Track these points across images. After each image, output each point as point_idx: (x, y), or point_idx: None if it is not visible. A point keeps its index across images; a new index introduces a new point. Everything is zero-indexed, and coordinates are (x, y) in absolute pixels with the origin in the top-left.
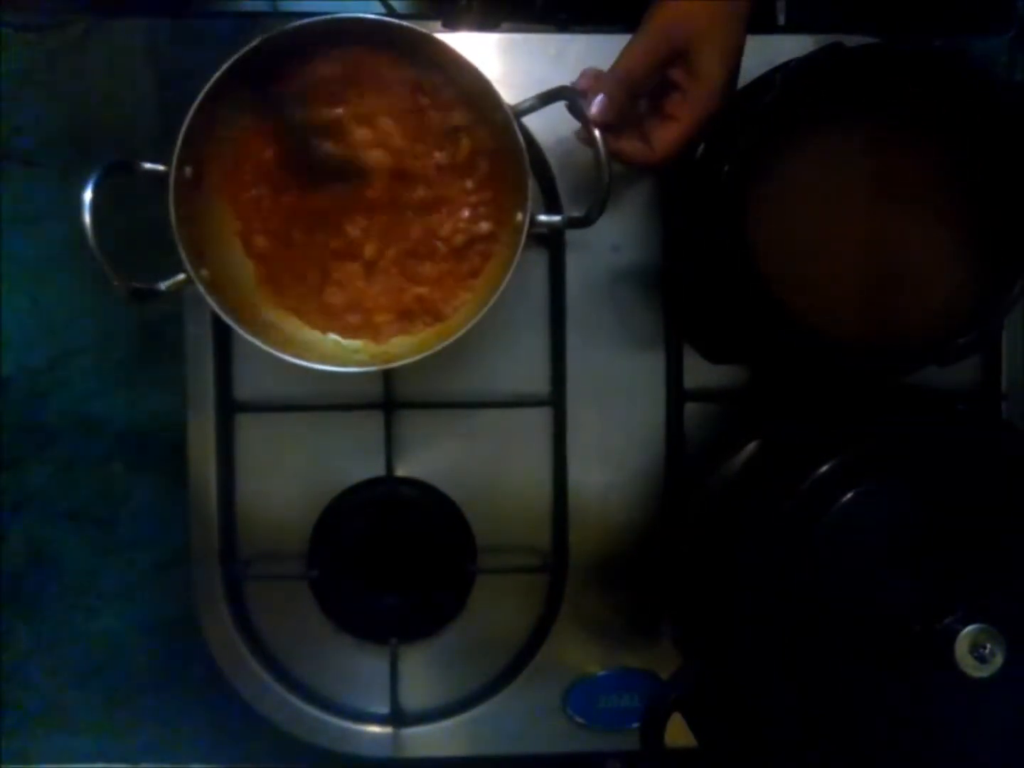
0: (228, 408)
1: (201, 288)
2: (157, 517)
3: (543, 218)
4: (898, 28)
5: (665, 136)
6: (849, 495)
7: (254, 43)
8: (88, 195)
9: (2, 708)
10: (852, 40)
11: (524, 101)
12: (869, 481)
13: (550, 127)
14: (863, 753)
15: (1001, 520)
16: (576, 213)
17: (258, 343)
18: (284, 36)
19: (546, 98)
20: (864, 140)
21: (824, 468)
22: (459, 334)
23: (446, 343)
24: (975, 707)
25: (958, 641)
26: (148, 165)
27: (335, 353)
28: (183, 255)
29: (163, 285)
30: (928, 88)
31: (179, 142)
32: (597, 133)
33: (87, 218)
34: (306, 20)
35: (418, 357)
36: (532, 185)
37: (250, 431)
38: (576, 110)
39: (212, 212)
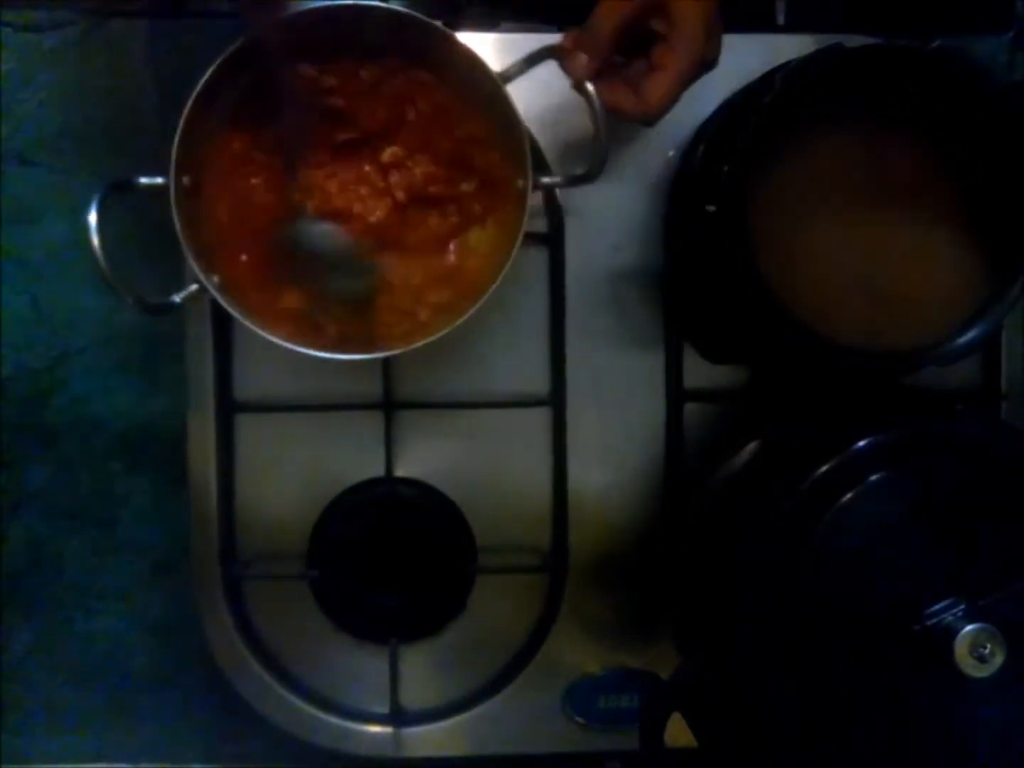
0: (228, 408)
1: (216, 295)
2: (157, 517)
3: (546, 179)
4: (898, 28)
5: (653, 86)
6: (849, 495)
7: (238, 43)
8: (93, 218)
9: (2, 708)
10: (852, 40)
11: (511, 66)
12: (869, 481)
13: (532, 98)
14: (863, 753)
15: (1001, 520)
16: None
17: (277, 340)
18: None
19: (531, 60)
20: (864, 140)
21: (824, 468)
22: (471, 311)
23: (463, 319)
24: (975, 707)
25: (958, 641)
26: (146, 180)
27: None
28: (194, 265)
29: (177, 297)
30: (928, 88)
31: (174, 152)
32: (590, 86)
33: (95, 240)
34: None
35: (422, 342)
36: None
37: (250, 431)
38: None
39: (215, 216)
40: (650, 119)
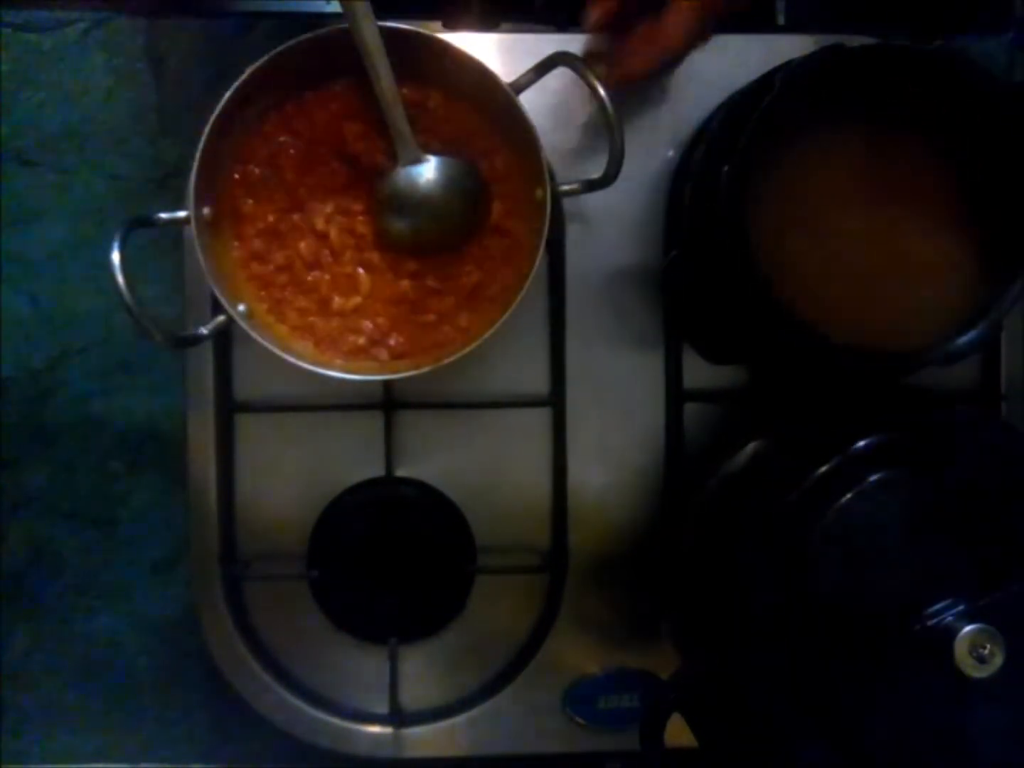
0: (228, 408)
1: (244, 325)
2: (157, 517)
3: (564, 187)
4: (898, 28)
5: (674, 16)
6: (849, 495)
7: (244, 76)
8: (116, 256)
9: (2, 708)
10: (852, 40)
11: (522, 75)
12: (869, 481)
13: (539, 107)
14: (862, 753)
15: (1000, 520)
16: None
17: (307, 366)
18: (269, 64)
19: (543, 68)
20: (864, 140)
21: (824, 468)
22: (496, 326)
23: (488, 333)
24: (975, 707)
25: (958, 641)
26: (166, 215)
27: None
28: (221, 297)
29: (204, 329)
30: (928, 88)
31: (192, 186)
32: (603, 92)
33: (120, 278)
34: (282, 46)
35: (456, 357)
36: (546, 158)
37: (250, 431)
38: (577, 71)
39: (236, 245)
40: (674, 54)
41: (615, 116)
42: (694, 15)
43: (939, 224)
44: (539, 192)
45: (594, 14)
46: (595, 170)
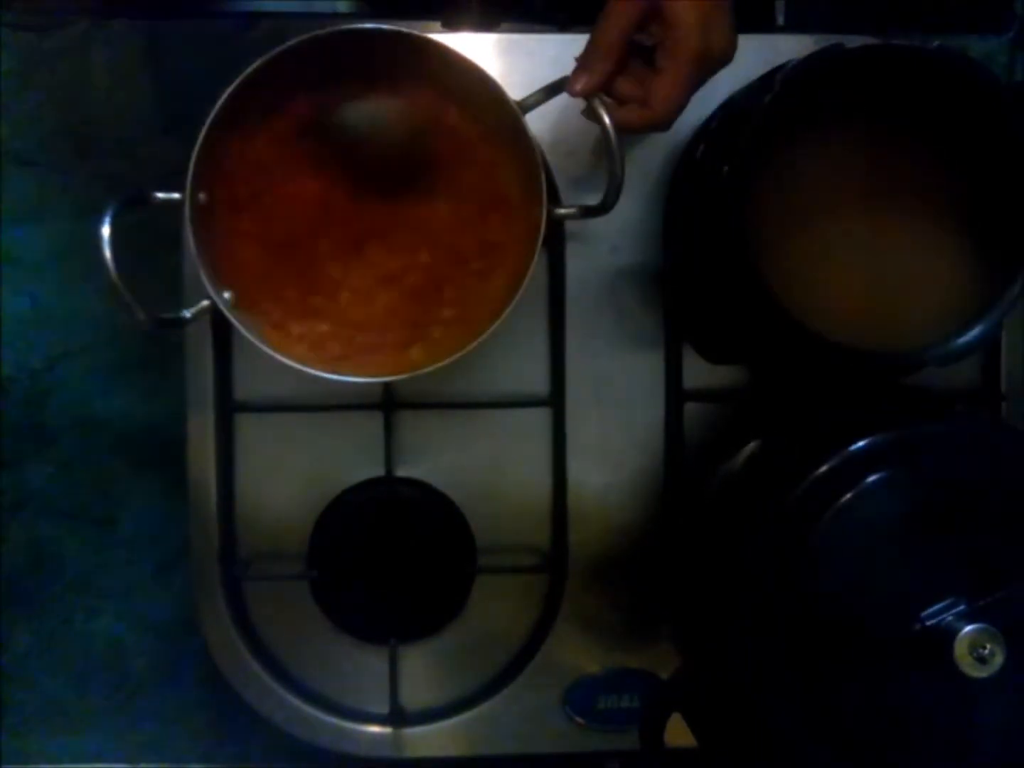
0: (228, 408)
1: (227, 312)
2: (157, 517)
3: (561, 210)
4: (898, 28)
5: (658, 90)
6: (849, 495)
7: (253, 66)
8: (106, 230)
9: (2, 708)
10: (852, 40)
11: (530, 95)
12: (869, 481)
13: (545, 124)
14: (863, 753)
15: (1000, 520)
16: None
17: (287, 360)
18: (281, 57)
19: (551, 90)
20: (864, 140)
21: (824, 468)
22: (483, 336)
23: (473, 344)
24: (975, 707)
25: (958, 641)
26: (161, 195)
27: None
28: (206, 282)
29: (188, 313)
30: (928, 88)
31: (190, 169)
32: (606, 118)
33: (107, 253)
34: (295, 40)
35: (444, 362)
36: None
37: (250, 431)
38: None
39: (229, 233)
40: (660, 124)
41: (618, 146)
42: (675, 85)
43: (939, 224)
44: (535, 212)
45: (581, 85)
46: (595, 186)
